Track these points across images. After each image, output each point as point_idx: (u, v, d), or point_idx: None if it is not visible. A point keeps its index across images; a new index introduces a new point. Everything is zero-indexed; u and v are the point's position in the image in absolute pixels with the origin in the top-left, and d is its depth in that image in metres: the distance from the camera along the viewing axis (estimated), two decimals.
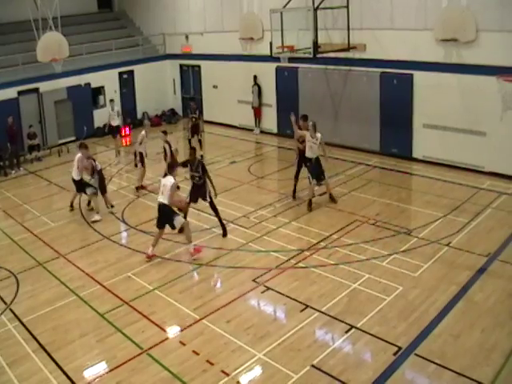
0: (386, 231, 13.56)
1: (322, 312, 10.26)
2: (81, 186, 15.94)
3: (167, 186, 12.38)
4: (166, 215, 12.59)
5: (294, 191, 16.09)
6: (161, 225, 12.77)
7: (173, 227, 12.71)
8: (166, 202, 12.42)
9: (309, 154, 15.26)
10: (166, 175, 12.68)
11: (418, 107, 18.56)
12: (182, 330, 10.06)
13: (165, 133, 17.43)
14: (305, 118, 15.74)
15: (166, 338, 9.83)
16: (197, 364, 9.01)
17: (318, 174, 15.21)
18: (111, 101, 23.21)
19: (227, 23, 24.68)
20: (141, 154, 17.90)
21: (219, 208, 14.89)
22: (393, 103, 18.97)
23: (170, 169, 12.81)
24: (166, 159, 16.74)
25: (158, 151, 18.90)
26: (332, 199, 15.60)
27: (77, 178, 15.88)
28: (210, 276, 12.31)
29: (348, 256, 12.43)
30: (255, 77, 23.97)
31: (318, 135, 15.09)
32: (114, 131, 22.96)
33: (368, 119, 19.69)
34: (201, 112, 22.20)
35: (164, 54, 28.97)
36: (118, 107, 23.29)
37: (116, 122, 22.77)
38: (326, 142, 20.14)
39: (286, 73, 22.66)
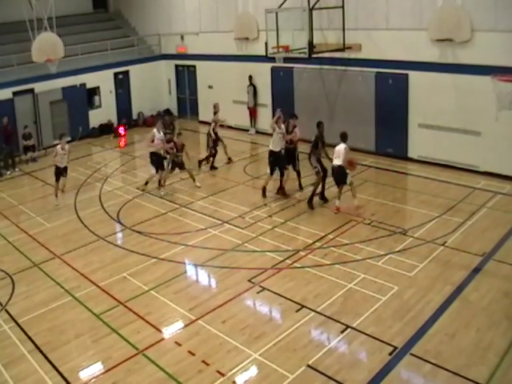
0: (381, 231, 13.57)
1: (318, 312, 10.27)
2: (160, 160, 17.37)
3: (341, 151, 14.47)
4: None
5: (300, 184, 16.72)
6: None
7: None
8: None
9: (272, 146, 16.00)
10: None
11: (413, 107, 18.58)
12: (177, 331, 10.06)
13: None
14: (293, 116, 16.33)
15: (162, 339, 9.83)
16: (192, 364, 9.00)
17: (279, 166, 16.01)
18: (62, 136, 17.53)
19: (222, 23, 24.67)
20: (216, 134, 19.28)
21: (214, 208, 14.98)
22: (388, 103, 18.99)
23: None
24: None
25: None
26: (282, 192, 16.25)
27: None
28: (205, 277, 12.34)
29: (343, 256, 12.45)
30: (250, 77, 23.96)
31: (283, 127, 15.89)
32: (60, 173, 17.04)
33: (363, 119, 19.70)
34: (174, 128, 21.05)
35: (159, 54, 28.93)
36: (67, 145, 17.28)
37: (64, 163, 16.96)
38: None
39: (281, 73, 22.66)
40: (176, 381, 8.63)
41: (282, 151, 15.99)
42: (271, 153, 15.99)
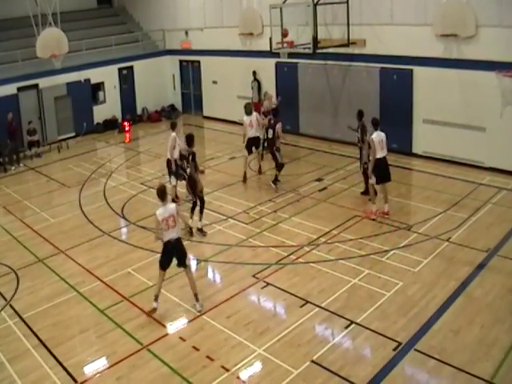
0: (385, 227, 13.56)
1: (322, 307, 10.27)
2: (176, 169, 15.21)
3: None
4: None
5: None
6: None
7: None
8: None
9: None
10: None
11: (417, 103, 18.54)
12: (181, 326, 10.07)
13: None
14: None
15: (166, 334, 9.85)
16: (197, 360, 9.02)
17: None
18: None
19: (227, 19, 24.64)
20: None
21: (218, 203, 15.00)
22: (393, 99, 18.93)
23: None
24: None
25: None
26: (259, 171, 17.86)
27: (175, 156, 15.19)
28: (210, 272, 12.36)
29: (348, 251, 12.44)
30: (254, 72, 23.92)
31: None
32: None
33: (368, 114, 19.55)
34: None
35: (164, 49, 28.90)
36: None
37: None
38: (325, 137, 20.34)
39: (285, 68, 22.62)
40: (180, 376, 8.65)
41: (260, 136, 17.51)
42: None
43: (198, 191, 13.52)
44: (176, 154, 15.10)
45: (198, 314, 10.32)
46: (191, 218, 13.82)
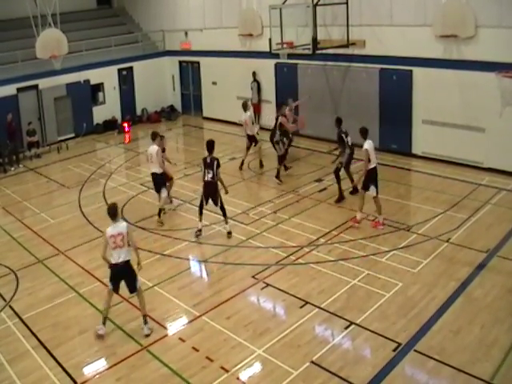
0: (385, 227, 13.55)
1: (322, 308, 10.27)
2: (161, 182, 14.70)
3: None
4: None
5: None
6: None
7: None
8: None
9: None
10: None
11: (417, 103, 18.55)
12: (181, 327, 10.08)
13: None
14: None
15: (166, 335, 9.85)
16: (196, 360, 9.03)
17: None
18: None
19: (226, 19, 24.64)
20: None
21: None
22: (392, 99, 18.94)
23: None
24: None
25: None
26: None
27: (159, 170, 14.62)
28: (209, 273, 12.37)
29: (347, 252, 12.44)
30: (254, 73, 23.95)
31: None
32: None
33: (367, 115, 19.64)
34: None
35: (163, 50, 28.89)
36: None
37: None
38: (325, 138, 20.35)
39: (285, 69, 22.63)
40: (180, 377, 8.65)
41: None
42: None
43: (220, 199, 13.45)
44: (155, 169, 14.58)
45: (198, 314, 10.32)
46: (200, 220, 13.71)
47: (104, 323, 9.85)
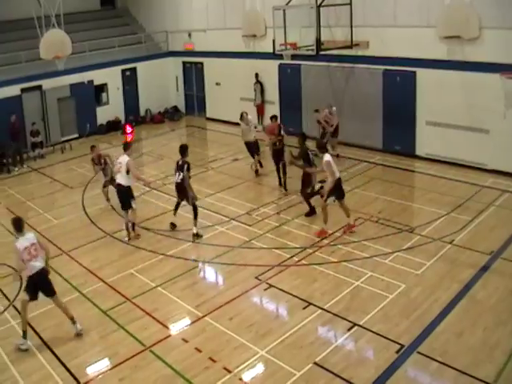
0: (388, 229, 13.55)
1: (325, 309, 10.27)
2: (129, 196, 13.96)
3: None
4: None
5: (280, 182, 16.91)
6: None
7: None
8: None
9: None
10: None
11: (420, 105, 18.52)
12: (184, 327, 10.08)
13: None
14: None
15: (169, 335, 9.85)
16: (199, 361, 9.03)
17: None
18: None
19: (230, 20, 24.64)
20: None
21: (221, 205, 15.02)
22: (396, 100, 18.94)
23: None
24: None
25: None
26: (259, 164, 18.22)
27: (128, 183, 13.89)
28: (212, 274, 12.37)
29: (350, 253, 12.43)
30: (257, 74, 23.96)
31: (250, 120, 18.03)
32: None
33: (371, 116, 19.66)
34: None
35: (167, 51, 28.94)
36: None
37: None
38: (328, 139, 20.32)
39: (288, 70, 22.63)
40: (183, 377, 8.65)
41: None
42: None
43: (191, 199, 13.73)
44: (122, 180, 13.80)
45: (201, 315, 10.32)
46: (174, 214, 14.30)
47: (25, 337, 9.63)
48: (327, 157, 13.08)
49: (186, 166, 13.45)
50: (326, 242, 13.06)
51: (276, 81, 23.37)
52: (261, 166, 18.47)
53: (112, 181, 15.20)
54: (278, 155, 16.48)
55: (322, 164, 13.14)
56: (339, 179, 13.26)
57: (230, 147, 21.56)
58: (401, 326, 9.59)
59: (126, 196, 13.88)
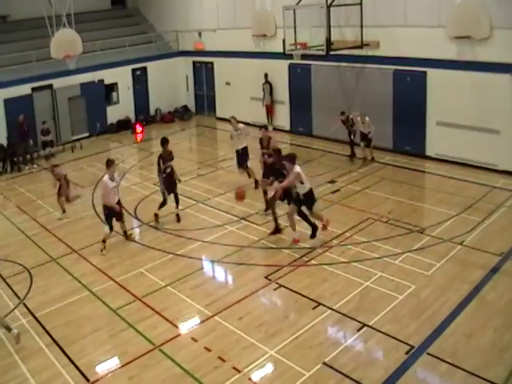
0: (398, 229, 13.51)
1: (334, 310, 10.25)
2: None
3: None
4: None
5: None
6: None
7: None
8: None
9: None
10: None
11: (431, 105, 18.47)
12: (193, 327, 10.09)
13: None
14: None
15: (178, 335, 9.87)
16: (209, 360, 9.03)
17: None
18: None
19: (240, 20, 24.66)
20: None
21: (231, 205, 15.04)
22: (406, 101, 18.88)
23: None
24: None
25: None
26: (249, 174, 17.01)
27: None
28: (221, 273, 12.40)
29: (360, 254, 12.41)
30: (266, 75, 23.94)
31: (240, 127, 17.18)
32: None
33: (381, 117, 19.58)
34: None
35: (177, 50, 28.98)
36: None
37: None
38: (338, 139, 20.32)
39: (298, 70, 22.61)
40: (192, 377, 8.66)
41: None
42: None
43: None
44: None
45: (210, 314, 10.33)
46: (158, 209, 14.77)
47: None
48: (296, 168, 12.61)
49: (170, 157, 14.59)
50: (335, 242, 13.04)
51: (286, 81, 23.34)
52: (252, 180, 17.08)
53: (67, 200, 15.94)
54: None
55: (291, 174, 12.59)
56: (310, 191, 12.90)
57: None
58: (410, 327, 9.56)
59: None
